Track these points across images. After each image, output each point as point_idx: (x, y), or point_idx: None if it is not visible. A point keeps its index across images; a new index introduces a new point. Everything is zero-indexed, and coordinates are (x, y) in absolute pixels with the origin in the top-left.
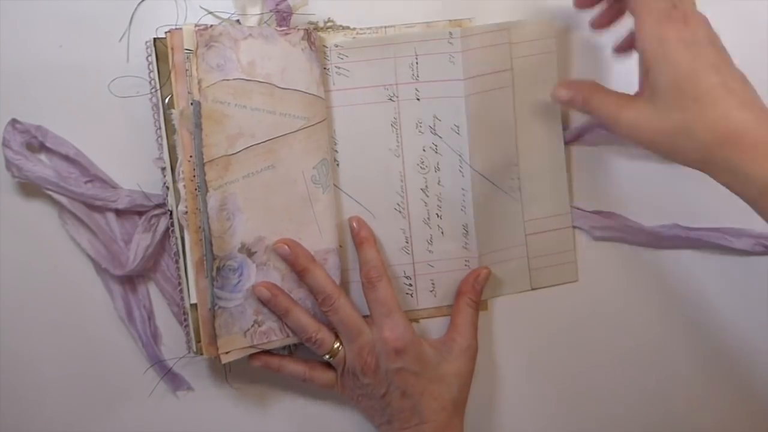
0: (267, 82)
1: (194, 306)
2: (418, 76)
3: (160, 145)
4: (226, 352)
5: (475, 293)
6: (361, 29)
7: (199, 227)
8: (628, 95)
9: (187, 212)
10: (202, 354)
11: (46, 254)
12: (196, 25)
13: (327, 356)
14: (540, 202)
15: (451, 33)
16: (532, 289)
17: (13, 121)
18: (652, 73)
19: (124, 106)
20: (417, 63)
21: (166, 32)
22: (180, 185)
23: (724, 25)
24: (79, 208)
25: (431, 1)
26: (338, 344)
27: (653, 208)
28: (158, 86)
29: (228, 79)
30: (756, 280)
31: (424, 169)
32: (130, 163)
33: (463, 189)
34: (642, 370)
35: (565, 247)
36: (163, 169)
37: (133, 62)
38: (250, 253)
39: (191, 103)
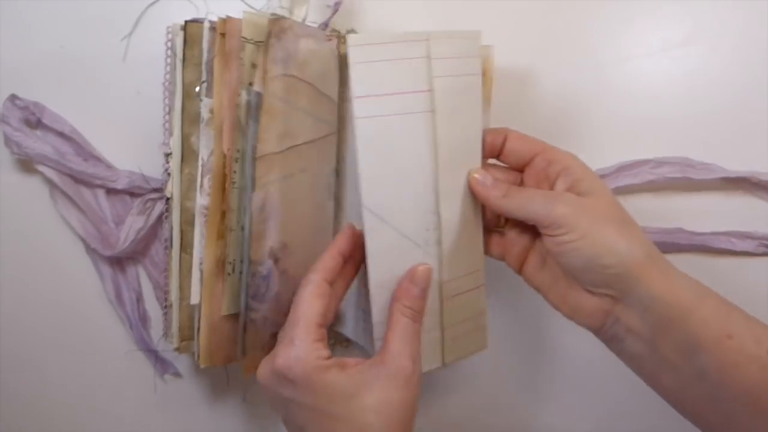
0: (312, 84)
1: (195, 306)
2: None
3: (167, 130)
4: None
5: (410, 297)
6: None
7: (227, 226)
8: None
9: (207, 207)
10: (181, 351)
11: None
12: (271, 14)
13: None
14: (459, 259)
15: (347, 39)
16: (444, 365)
17: (12, 97)
18: (586, 181)
19: (122, 104)
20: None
21: (209, 19)
22: (205, 178)
23: (723, 26)
24: (70, 187)
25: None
26: None
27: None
28: (181, 72)
29: (287, 75)
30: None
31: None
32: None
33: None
34: None
35: (479, 309)
36: (167, 155)
37: (138, 51)
38: (276, 260)
39: (250, 94)
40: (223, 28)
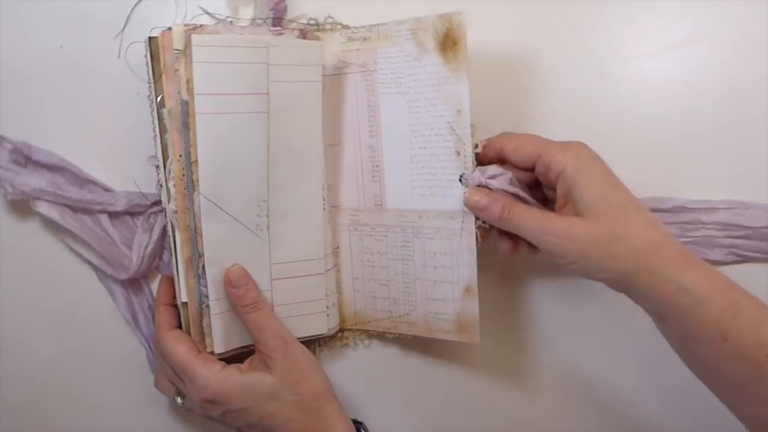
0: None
1: (185, 304)
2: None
3: (156, 141)
4: (211, 351)
5: (241, 298)
6: (355, 28)
7: (188, 226)
8: (549, 210)
9: (177, 211)
10: None
11: (48, 267)
12: (185, 25)
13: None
14: (290, 245)
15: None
16: None
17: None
18: (577, 189)
19: (121, 104)
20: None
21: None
22: (170, 184)
23: (723, 26)
24: (73, 220)
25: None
26: None
27: None
28: (152, 85)
29: None
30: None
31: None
32: (125, 160)
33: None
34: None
35: (316, 295)
36: (157, 167)
37: (132, 61)
38: None
39: (179, 103)
40: (163, 42)
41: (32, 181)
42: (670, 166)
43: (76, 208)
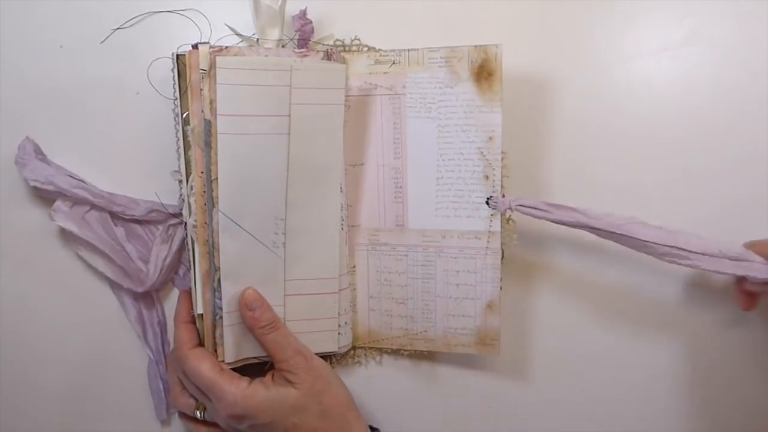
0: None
1: (201, 316)
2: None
3: (180, 157)
4: (223, 360)
5: (257, 319)
6: (384, 51)
7: (206, 240)
8: None
9: (196, 226)
10: None
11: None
12: (211, 46)
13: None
14: (305, 262)
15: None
16: None
17: (26, 140)
18: None
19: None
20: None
21: (189, 49)
22: (191, 199)
23: (723, 26)
24: (90, 234)
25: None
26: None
27: None
28: (179, 101)
29: None
30: None
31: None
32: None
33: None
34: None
35: (328, 314)
36: (180, 181)
37: (159, 76)
38: None
39: (203, 122)
40: (189, 61)
41: (61, 179)
42: (670, 166)
43: (98, 206)
